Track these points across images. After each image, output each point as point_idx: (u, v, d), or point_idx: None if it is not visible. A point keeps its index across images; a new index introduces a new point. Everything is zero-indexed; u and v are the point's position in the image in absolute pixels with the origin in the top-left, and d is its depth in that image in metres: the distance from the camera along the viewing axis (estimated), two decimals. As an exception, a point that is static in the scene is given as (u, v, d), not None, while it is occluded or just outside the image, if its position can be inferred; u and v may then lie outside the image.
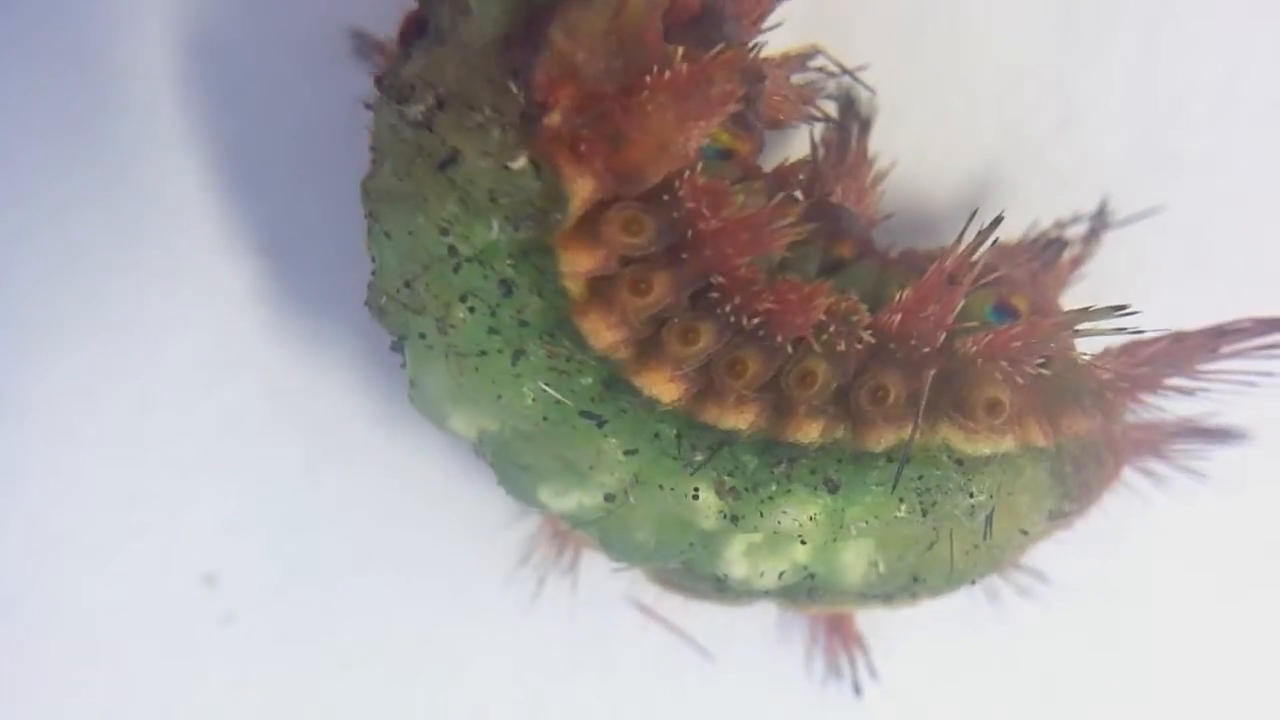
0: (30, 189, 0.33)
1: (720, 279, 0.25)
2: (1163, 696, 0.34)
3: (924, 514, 0.25)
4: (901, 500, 0.25)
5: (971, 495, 0.25)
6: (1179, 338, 0.27)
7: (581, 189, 0.24)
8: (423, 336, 0.26)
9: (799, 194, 0.27)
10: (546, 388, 0.25)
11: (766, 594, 0.28)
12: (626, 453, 0.25)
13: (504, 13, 0.23)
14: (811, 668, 0.34)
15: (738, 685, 0.34)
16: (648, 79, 0.23)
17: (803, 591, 0.28)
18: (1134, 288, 0.27)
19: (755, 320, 0.25)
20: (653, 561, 0.28)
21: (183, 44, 0.33)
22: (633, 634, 0.34)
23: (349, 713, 0.34)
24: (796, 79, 0.28)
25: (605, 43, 0.23)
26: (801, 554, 0.26)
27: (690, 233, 0.24)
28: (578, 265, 0.24)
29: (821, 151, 0.29)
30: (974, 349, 0.25)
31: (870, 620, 0.32)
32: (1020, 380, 0.25)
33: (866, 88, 0.29)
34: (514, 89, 0.23)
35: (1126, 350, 0.27)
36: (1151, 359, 0.27)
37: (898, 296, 0.25)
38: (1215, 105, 0.32)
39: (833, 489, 0.25)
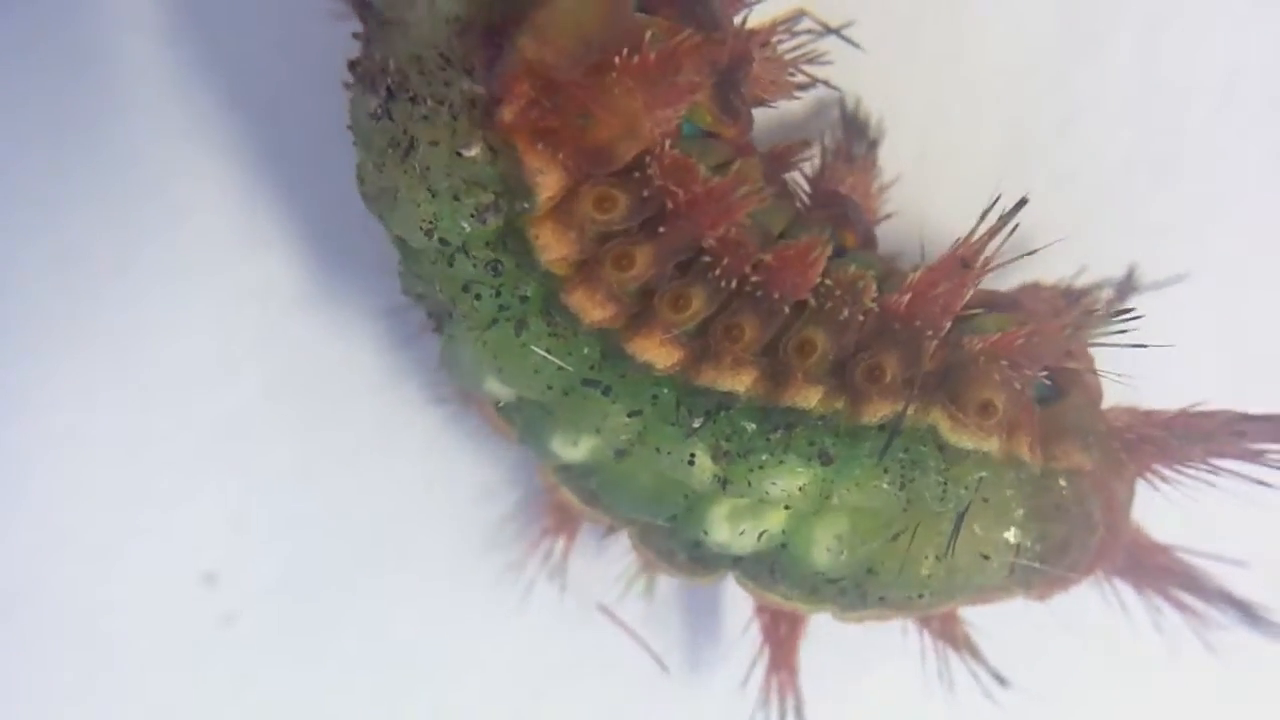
0: (30, 189, 0.33)
1: (710, 243, 0.25)
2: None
3: (901, 487, 0.26)
4: (886, 470, 0.26)
5: (945, 482, 0.26)
6: (1200, 413, 0.27)
7: (548, 181, 0.24)
8: (450, 316, 0.27)
9: (798, 177, 0.27)
10: (549, 355, 0.25)
11: (737, 562, 0.28)
12: (631, 414, 0.26)
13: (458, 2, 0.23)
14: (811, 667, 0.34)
15: (738, 685, 0.34)
16: (617, 60, 0.23)
17: (767, 567, 0.28)
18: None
19: (754, 281, 0.25)
20: (645, 515, 0.28)
21: (183, 44, 0.33)
22: (632, 636, 0.34)
23: (349, 713, 0.35)
24: (784, 46, 0.28)
25: (574, 44, 0.23)
26: (780, 522, 0.27)
27: (666, 206, 0.24)
28: (551, 249, 0.25)
29: (830, 153, 0.29)
30: (979, 346, 0.25)
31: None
32: (1019, 385, 0.25)
33: (854, 44, 0.28)
34: (467, 80, 0.23)
35: (1147, 413, 0.27)
36: (1168, 425, 0.27)
37: (909, 277, 0.25)
38: (1215, 105, 0.32)
39: (826, 461, 0.26)
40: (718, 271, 0.25)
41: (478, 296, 0.25)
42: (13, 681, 0.34)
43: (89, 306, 0.33)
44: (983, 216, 0.25)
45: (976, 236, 0.25)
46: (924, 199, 0.32)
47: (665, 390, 0.26)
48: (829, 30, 0.28)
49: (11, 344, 0.33)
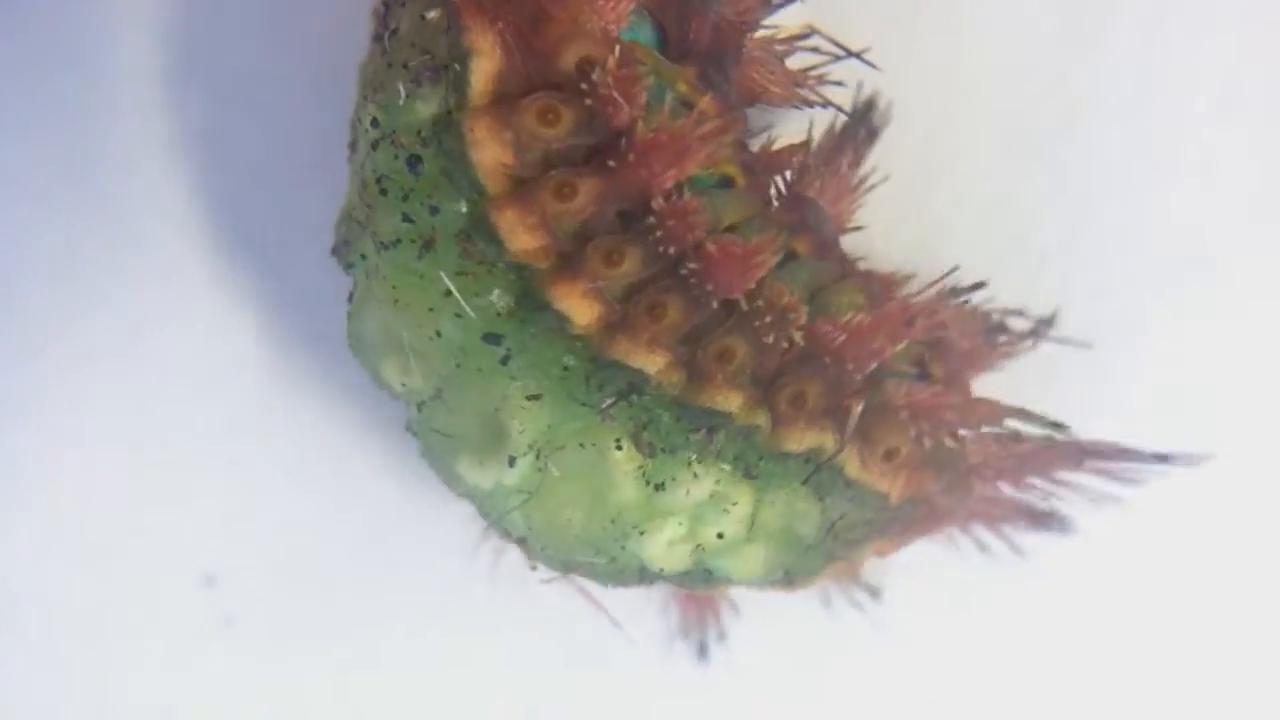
0: (30, 190, 0.33)
1: (660, 203, 0.23)
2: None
3: (820, 505, 0.26)
4: (806, 499, 0.26)
5: (852, 507, 0.26)
6: (1052, 445, 0.27)
7: (483, 61, 0.23)
8: (364, 258, 0.25)
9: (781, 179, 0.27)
10: (452, 292, 0.23)
11: (664, 577, 0.28)
12: (530, 397, 0.24)
13: None
14: (812, 668, 0.34)
15: (738, 685, 0.34)
16: None
17: (700, 579, 0.28)
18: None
19: (690, 267, 0.24)
20: (578, 554, 0.27)
21: (182, 45, 0.33)
22: (633, 636, 0.34)
23: (348, 713, 0.35)
24: (793, 62, 0.27)
25: None
26: (716, 541, 0.26)
27: (623, 143, 0.23)
28: (484, 147, 0.23)
29: (815, 151, 0.28)
30: (903, 399, 0.25)
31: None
32: (927, 443, 0.26)
33: (871, 65, 0.27)
34: None
35: (1000, 441, 0.28)
36: (1022, 457, 0.27)
37: (849, 315, 0.25)
38: (1215, 105, 0.32)
39: (751, 477, 0.25)
40: (660, 234, 0.24)
41: (383, 191, 0.24)
42: (13, 681, 0.34)
43: (89, 306, 0.33)
44: (938, 281, 0.25)
45: (928, 298, 0.25)
46: (922, 200, 0.32)
47: (574, 361, 0.24)
48: (845, 52, 0.27)
49: (11, 344, 0.33)
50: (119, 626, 0.34)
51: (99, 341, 0.33)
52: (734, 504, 0.25)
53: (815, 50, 0.27)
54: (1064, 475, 0.27)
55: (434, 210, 0.24)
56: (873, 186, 0.28)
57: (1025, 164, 0.32)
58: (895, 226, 0.30)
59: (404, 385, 0.26)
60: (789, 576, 0.28)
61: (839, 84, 0.27)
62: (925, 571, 0.31)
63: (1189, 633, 0.34)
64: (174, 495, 0.34)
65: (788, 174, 0.27)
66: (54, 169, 0.33)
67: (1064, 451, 0.27)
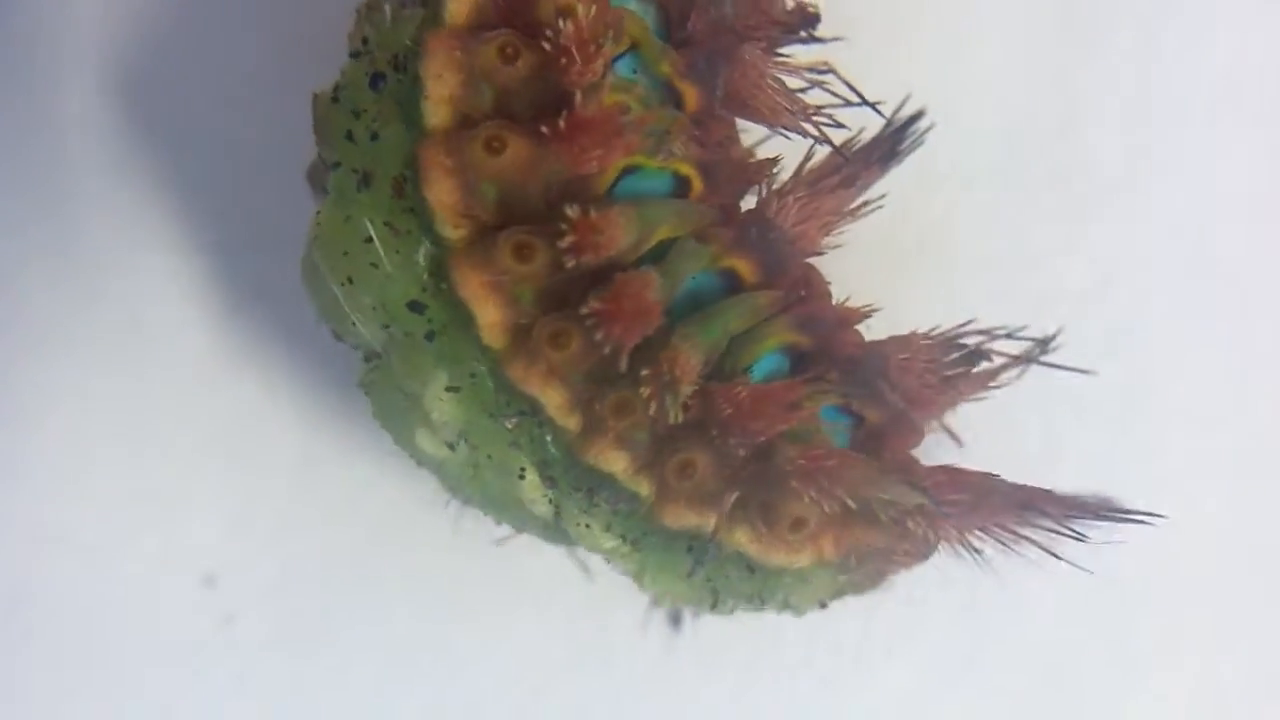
0: (30, 189, 0.33)
1: (573, 209, 0.21)
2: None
3: (713, 598, 0.25)
4: (695, 587, 0.25)
5: (761, 599, 0.25)
6: (994, 486, 0.25)
7: None
8: (336, 168, 0.23)
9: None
10: (374, 240, 0.22)
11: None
12: (450, 388, 0.23)
13: None
14: (810, 667, 0.34)
15: (736, 685, 0.34)
16: None
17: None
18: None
19: (592, 305, 0.22)
20: (530, 528, 0.26)
21: (182, 45, 0.33)
22: (632, 634, 0.34)
23: (348, 713, 0.34)
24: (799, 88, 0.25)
25: None
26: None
27: (562, 112, 0.21)
28: (434, 66, 0.22)
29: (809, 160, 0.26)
30: (791, 466, 0.23)
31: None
32: (828, 508, 0.24)
33: (881, 115, 0.25)
34: None
35: (945, 476, 0.25)
36: (965, 492, 0.25)
37: (738, 388, 0.23)
38: (1215, 105, 0.32)
39: (632, 543, 0.24)
40: (571, 240, 0.21)
41: (335, 99, 0.22)
42: (13, 681, 0.34)
43: (89, 307, 0.33)
44: (825, 370, 0.24)
45: (808, 388, 0.23)
46: (921, 202, 0.32)
47: (483, 370, 0.22)
48: (860, 100, 0.24)
49: (11, 344, 0.33)
50: (119, 626, 0.34)
51: (99, 341, 0.33)
52: (624, 561, 0.25)
53: (824, 86, 0.25)
54: (1008, 523, 0.25)
55: (374, 136, 0.22)
56: (862, 213, 0.26)
57: (1024, 163, 0.32)
58: (892, 229, 0.30)
59: (353, 327, 0.24)
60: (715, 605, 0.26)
61: (833, 122, 0.25)
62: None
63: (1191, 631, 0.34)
64: (174, 495, 0.34)
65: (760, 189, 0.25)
66: (54, 169, 0.33)
67: (1010, 496, 0.25)
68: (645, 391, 0.22)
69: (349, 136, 0.22)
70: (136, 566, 0.34)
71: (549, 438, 0.23)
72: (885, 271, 0.29)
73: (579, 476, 0.23)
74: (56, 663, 0.34)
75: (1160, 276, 0.32)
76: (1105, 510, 0.24)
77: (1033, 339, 0.26)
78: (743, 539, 0.24)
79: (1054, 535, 0.25)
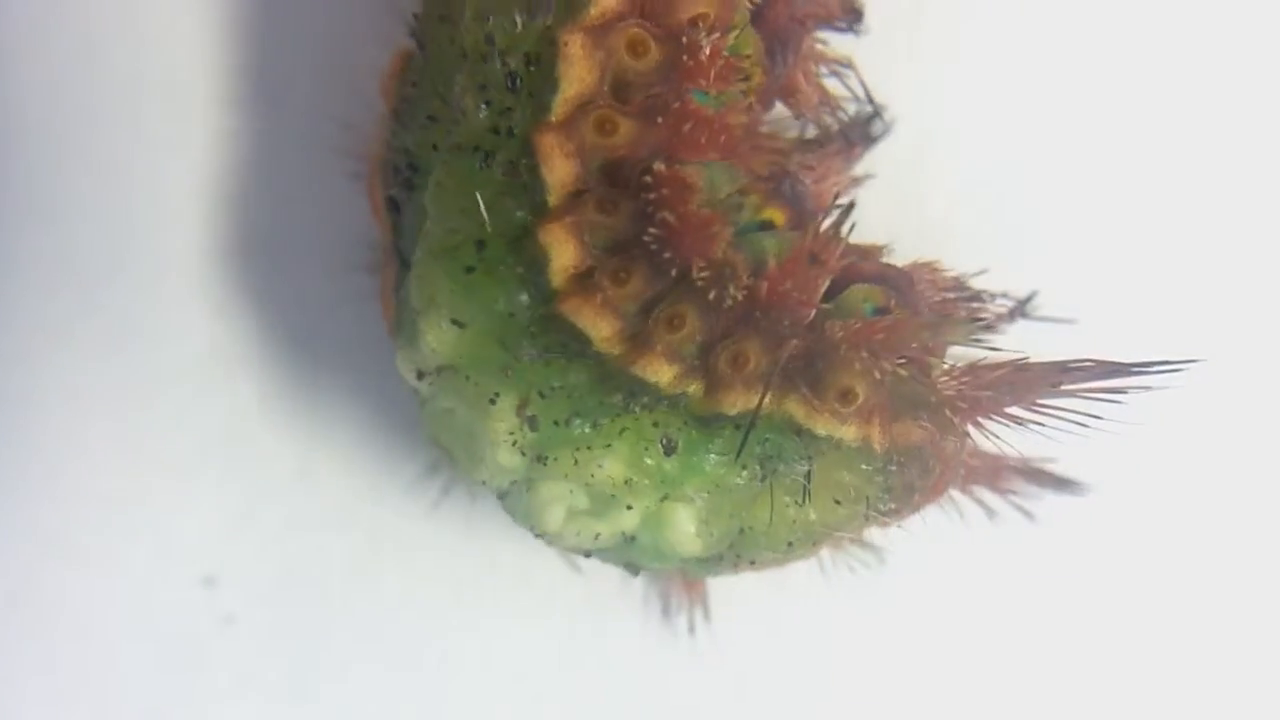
0: (30, 190, 0.33)
1: (659, 166, 0.24)
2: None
3: (762, 479, 0.25)
4: (744, 468, 0.25)
5: (809, 461, 0.25)
6: (1023, 368, 0.26)
7: None
8: (435, 149, 0.26)
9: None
10: (481, 206, 0.24)
11: (589, 556, 0.27)
12: (453, 321, 0.25)
13: None
14: (810, 667, 0.34)
15: (737, 684, 0.34)
16: None
17: (621, 561, 0.27)
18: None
19: (652, 233, 0.24)
20: (477, 475, 0.27)
21: (182, 46, 0.33)
22: (632, 634, 0.34)
23: (348, 713, 0.34)
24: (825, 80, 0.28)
25: None
26: (626, 520, 0.26)
27: (674, 104, 0.24)
28: (573, 68, 0.24)
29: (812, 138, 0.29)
30: (840, 334, 0.25)
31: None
32: (879, 375, 0.25)
33: (884, 122, 0.29)
34: None
35: (972, 371, 0.27)
36: (995, 384, 0.26)
37: (768, 265, 0.25)
38: (1215, 104, 0.32)
39: (669, 450, 0.25)
40: (652, 196, 0.24)
41: (487, 103, 0.24)
42: (13, 681, 0.34)
43: (89, 307, 0.33)
44: (824, 214, 0.25)
45: (819, 233, 0.25)
46: (920, 195, 0.32)
47: (523, 308, 0.25)
48: (867, 99, 0.28)
49: (11, 344, 0.33)
50: (119, 626, 0.34)
51: (99, 341, 0.33)
52: (630, 479, 0.25)
53: (841, 80, 0.28)
54: (1044, 400, 0.26)
55: (509, 133, 0.24)
56: (860, 182, 0.29)
57: (1023, 160, 0.32)
58: (892, 222, 0.30)
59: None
60: (743, 548, 0.27)
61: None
62: (922, 542, 0.31)
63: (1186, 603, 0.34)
64: (174, 495, 0.34)
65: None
66: (53, 170, 0.33)
67: (1040, 372, 0.26)
68: (702, 281, 0.24)
69: (494, 130, 0.25)
70: (136, 567, 0.34)
71: (576, 365, 0.25)
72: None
73: (618, 383, 0.25)
74: (56, 663, 0.34)
75: (1158, 272, 0.32)
76: (1139, 365, 0.25)
77: (1018, 299, 0.29)
78: (793, 407, 0.25)
79: (1093, 399, 0.26)
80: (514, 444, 0.25)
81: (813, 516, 0.26)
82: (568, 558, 0.32)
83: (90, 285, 0.33)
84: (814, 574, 0.31)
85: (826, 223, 0.25)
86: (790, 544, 0.27)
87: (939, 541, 0.30)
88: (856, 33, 0.27)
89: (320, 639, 0.34)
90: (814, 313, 0.25)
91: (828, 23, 0.27)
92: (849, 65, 0.28)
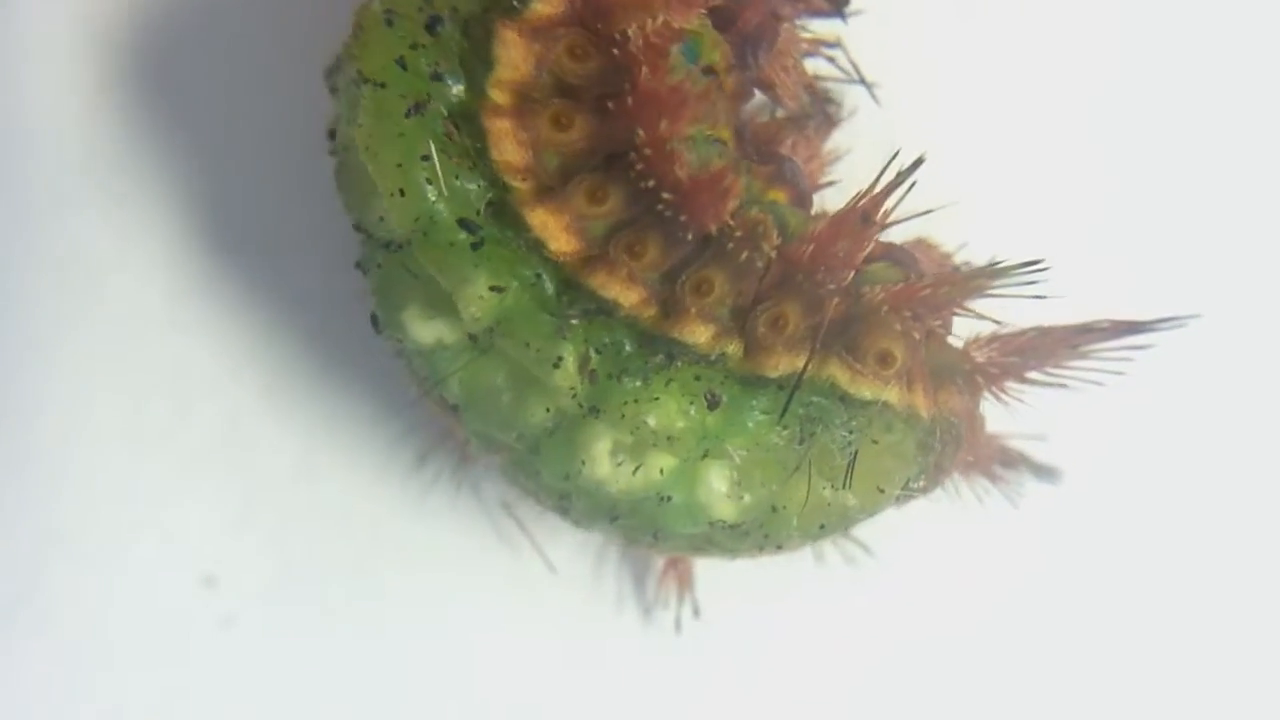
0: (30, 189, 0.33)
1: (647, 150, 0.24)
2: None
3: (801, 441, 0.25)
4: (785, 427, 0.25)
5: (850, 430, 0.26)
6: (1044, 332, 0.27)
7: None
8: (351, 85, 0.25)
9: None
10: (430, 158, 0.24)
11: (614, 520, 0.27)
12: (493, 288, 0.25)
13: None
14: (812, 665, 0.34)
15: (737, 683, 0.34)
16: None
17: (649, 532, 0.27)
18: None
19: (666, 200, 0.24)
20: (501, 431, 0.27)
21: (182, 45, 0.33)
22: (632, 633, 0.34)
23: (348, 713, 0.34)
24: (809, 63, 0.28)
25: None
26: (667, 467, 0.26)
27: (626, 86, 0.24)
28: (508, 52, 0.24)
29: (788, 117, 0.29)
30: (881, 296, 0.25)
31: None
32: (918, 335, 0.26)
33: (875, 99, 0.29)
34: None
35: (997, 340, 0.28)
36: (1019, 349, 0.27)
37: (812, 227, 0.25)
38: (1214, 102, 0.32)
39: (713, 404, 0.25)
40: (640, 167, 0.24)
41: (389, 23, 0.24)
42: (13, 681, 0.34)
43: (89, 306, 0.33)
44: (882, 171, 0.25)
45: (877, 191, 0.25)
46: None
47: (546, 275, 0.25)
48: (858, 78, 0.29)
49: (11, 344, 0.33)
50: (119, 626, 0.34)
51: (99, 341, 0.33)
52: (679, 429, 0.25)
53: (831, 60, 0.28)
54: (1066, 361, 0.27)
55: (436, 77, 0.24)
56: (837, 159, 0.29)
57: (1022, 157, 0.32)
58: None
59: (380, 220, 0.26)
60: (772, 528, 0.27)
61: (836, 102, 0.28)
62: (912, 531, 0.31)
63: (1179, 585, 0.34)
64: (174, 495, 0.34)
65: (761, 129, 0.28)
66: (53, 169, 0.33)
67: (1061, 335, 0.27)
68: (733, 244, 0.25)
69: (400, 63, 0.24)
70: (136, 566, 0.34)
71: (619, 325, 0.25)
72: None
73: (658, 345, 0.25)
74: (56, 662, 0.34)
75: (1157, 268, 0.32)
76: (1154, 323, 0.26)
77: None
78: (835, 369, 0.25)
79: (1115, 356, 0.26)
80: (573, 396, 0.25)
81: (852, 501, 0.26)
82: (568, 561, 0.32)
83: (90, 285, 0.33)
84: (812, 573, 0.31)
85: (882, 182, 0.25)
86: (823, 526, 0.27)
87: (933, 534, 0.30)
88: (843, 17, 0.28)
89: (320, 639, 0.34)
90: (852, 276, 0.25)
91: (811, 10, 0.27)
92: (838, 44, 0.28)
